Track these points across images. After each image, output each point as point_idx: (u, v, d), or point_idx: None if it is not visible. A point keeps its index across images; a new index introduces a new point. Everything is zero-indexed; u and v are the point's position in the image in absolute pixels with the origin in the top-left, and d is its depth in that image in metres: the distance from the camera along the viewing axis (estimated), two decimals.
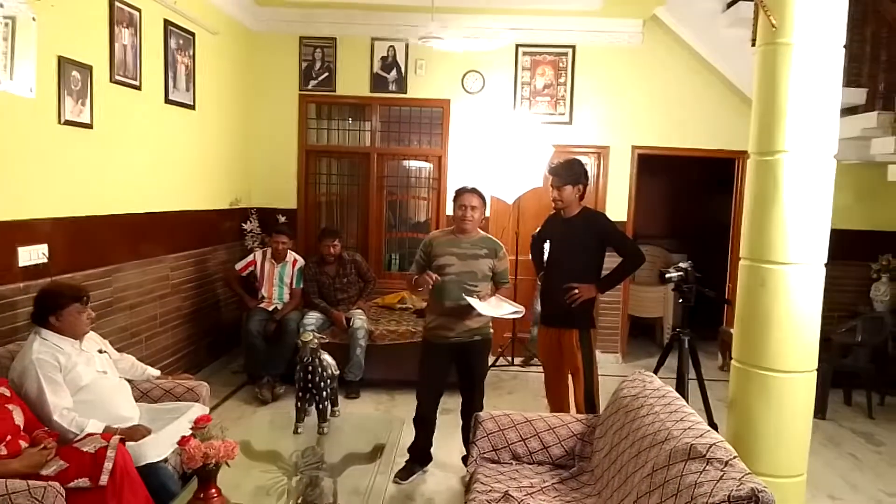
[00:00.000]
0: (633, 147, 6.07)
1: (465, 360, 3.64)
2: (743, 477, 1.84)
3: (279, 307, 5.16)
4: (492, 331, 3.75)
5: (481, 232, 3.69)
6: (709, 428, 2.22)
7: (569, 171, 3.74)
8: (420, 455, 3.75)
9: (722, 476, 1.88)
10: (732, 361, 2.85)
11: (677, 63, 5.97)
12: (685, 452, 2.05)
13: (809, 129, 2.60)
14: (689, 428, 2.21)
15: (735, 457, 1.98)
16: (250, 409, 4.68)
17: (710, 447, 2.02)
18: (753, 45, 2.78)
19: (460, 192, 3.62)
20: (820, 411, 4.83)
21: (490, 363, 5.33)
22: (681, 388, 3.35)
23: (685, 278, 3.34)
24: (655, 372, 3.02)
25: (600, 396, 3.82)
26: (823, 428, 4.67)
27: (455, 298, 3.50)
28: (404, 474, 3.67)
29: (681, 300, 3.40)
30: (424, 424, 3.70)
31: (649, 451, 2.24)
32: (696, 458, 2.01)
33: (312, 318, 5.04)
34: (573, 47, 5.99)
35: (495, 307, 3.52)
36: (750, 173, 2.77)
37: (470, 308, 3.46)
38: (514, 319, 3.73)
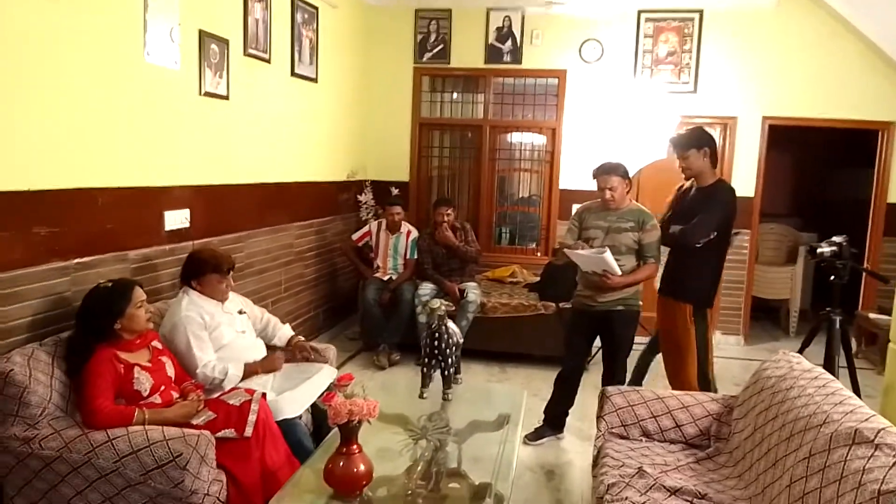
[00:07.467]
0: (764, 118, 5.69)
1: (607, 329, 3.64)
2: None
3: (394, 277, 5.24)
4: (641, 303, 3.70)
5: (633, 203, 3.62)
6: (873, 412, 2.05)
7: (689, 136, 3.58)
8: (554, 418, 3.79)
9: (895, 463, 1.73)
10: (889, 344, 2.63)
11: (814, 25, 5.51)
12: (849, 437, 1.90)
13: None
14: (850, 411, 2.04)
15: None
16: (367, 374, 4.80)
17: (878, 432, 1.86)
18: None
19: (596, 174, 3.57)
20: None
21: None
22: (830, 373, 3.11)
23: (839, 253, 3.09)
24: (800, 353, 2.82)
25: (717, 381, 3.75)
26: None
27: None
28: (535, 435, 3.75)
29: (832, 277, 3.14)
30: (564, 386, 3.76)
31: (804, 434, 2.09)
32: (863, 443, 1.86)
33: (427, 288, 5.09)
34: (700, 12, 5.65)
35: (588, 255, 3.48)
36: None
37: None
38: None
